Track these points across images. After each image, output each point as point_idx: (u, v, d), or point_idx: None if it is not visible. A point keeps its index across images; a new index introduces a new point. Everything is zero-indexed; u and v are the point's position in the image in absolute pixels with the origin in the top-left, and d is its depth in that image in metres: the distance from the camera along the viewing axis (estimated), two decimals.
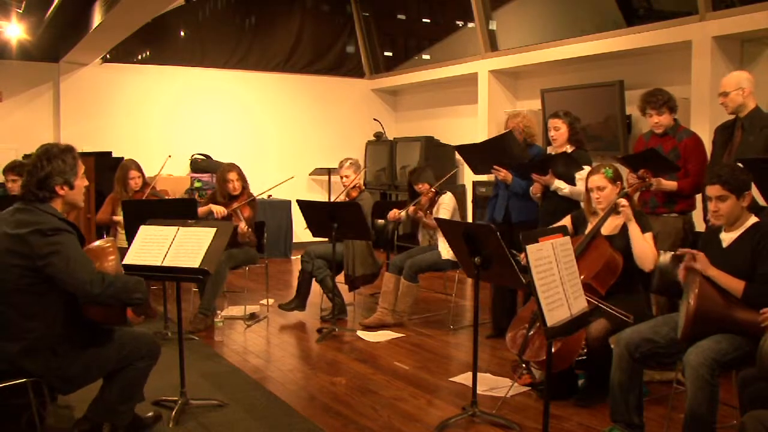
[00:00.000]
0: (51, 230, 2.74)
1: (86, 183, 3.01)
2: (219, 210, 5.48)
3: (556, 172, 4.58)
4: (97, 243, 3.07)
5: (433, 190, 5.44)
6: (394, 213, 5.63)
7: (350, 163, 5.75)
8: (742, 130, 4.07)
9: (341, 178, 5.77)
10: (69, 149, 2.92)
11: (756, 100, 4.10)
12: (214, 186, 8.34)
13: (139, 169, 5.74)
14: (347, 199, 5.67)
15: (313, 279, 5.65)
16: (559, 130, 4.70)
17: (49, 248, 2.71)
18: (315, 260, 5.60)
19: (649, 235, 3.67)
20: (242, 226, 5.43)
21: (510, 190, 4.90)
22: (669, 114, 4.43)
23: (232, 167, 5.76)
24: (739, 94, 4.04)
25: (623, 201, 3.68)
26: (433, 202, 5.46)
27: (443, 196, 5.45)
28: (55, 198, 2.87)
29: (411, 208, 5.39)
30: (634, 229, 3.64)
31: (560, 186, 4.58)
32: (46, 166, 2.83)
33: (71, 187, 2.90)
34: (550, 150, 4.89)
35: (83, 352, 2.87)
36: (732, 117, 4.17)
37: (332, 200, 5.72)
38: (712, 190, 3.06)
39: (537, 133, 5.11)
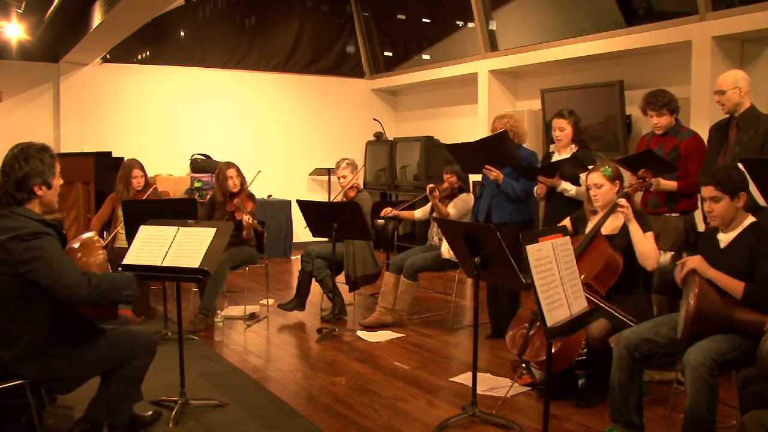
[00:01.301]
0: (29, 235, 2.66)
1: (61, 182, 2.93)
2: None
3: (563, 175, 4.58)
4: (86, 236, 3.04)
5: (459, 183, 5.46)
6: (387, 210, 5.68)
7: (347, 164, 5.76)
8: (737, 129, 4.07)
9: (339, 178, 5.79)
10: (45, 148, 2.85)
11: (751, 100, 4.10)
12: (214, 186, 8.38)
13: (142, 168, 5.76)
14: (345, 199, 5.68)
15: (313, 279, 5.66)
16: (564, 131, 4.69)
17: (29, 254, 2.64)
18: (315, 260, 5.60)
19: (650, 235, 3.67)
20: (247, 218, 5.44)
21: (501, 189, 4.89)
22: (669, 116, 4.43)
23: (231, 165, 5.82)
24: (735, 93, 4.04)
25: (622, 201, 3.68)
26: (453, 195, 5.47)
27: (464, 194, 5.47)
28: (33, 199, 2.79)
29: (430, 186, 5.39)
30: (635, 229, 3.64)
31: (567, 188, 4.58)
32: (23, 166, 2.75)
33: (49, 187, 2.83)
34: (553, 148, 4.88)
35: (76, 351, 2.85)
36: (726, 116, 4.17)
37: (331, 200, 5.73)
38: (706, 191, 3.07)
39: (524, 134, 5.09)
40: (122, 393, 3.01)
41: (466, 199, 5.44)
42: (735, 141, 4.05)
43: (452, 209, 5.38)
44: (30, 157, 2.78)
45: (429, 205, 5.56)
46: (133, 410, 3.20)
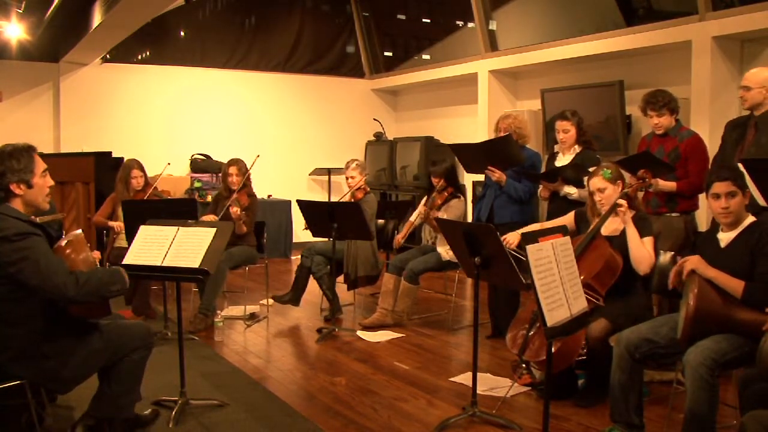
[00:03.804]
0: (16, 235, 2.66)
1: (50, 183, 2.93)
2: (211, 218, 5.53)
3: (566, 179, 4.59)
4: (75, 233, 3.03)
5: (449, 189, 5.41)
6: (398, 241, 5.61)
7: (356, 165, 5.75)
8: (755, 129, 4.06)
9: (347, 179, 5.77)
10: (26, 148, 2.86)
11: None
12: (214, 186, 8.41)
13: (141, 168, 5.76)
14: (353, 200, 5.66)
15: (311, 276, 5.66)
16: (568, 133, 4.68)
17: (17, 254, 2.64)
18: (315, 257, 5.60)
19: (648, 240, 3.65)
20: (234, 209, 5.44)
21: (503, 190, 4.88)
22: (669, 115, 4.43)
23: (234, 162, 5.84)
24: (761, 93, 4.02)
25: (621, 202, 3.68)
26: (444, 202, 5.44)
27: (455, 199, 5.43)
28: (12, 198, 2.80)
29: (423, 208, 5.35)
30: (632, 233, 3.63)
31: (569, 191, 4.59)
32: None
33: (29, 186, 2.82)
34: (557, 149, 4.88)
35: (71, 349, 2.85)
36: (746, 114, 4.14)
37: (337, 201, 5.72)
38: (723, 187, 3.03)
39: (528, 135, 5.09)
40: (124, 387, 3.01)
41: (458, 206, 5.39)
42: (752, 141, 4.04)
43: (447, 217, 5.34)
44: (6, 157, 2.79)
45: (420, 207, 5.54)
46: None
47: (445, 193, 5.39)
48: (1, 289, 2.68)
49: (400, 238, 5.59)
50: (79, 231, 3.08)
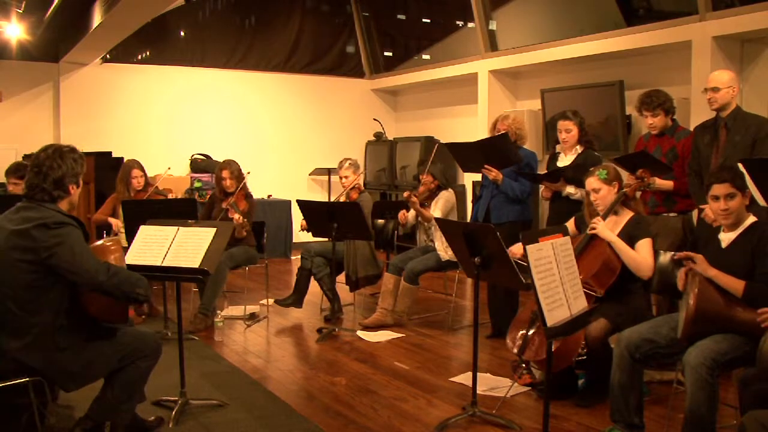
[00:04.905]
0: (55, 223, 2.75)
1: None
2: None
3: (567, 179, 4.59)
4: (100, 242, 3.08)
5: (435, 182, 5.41)
6: (402, 214, 5.60)
7: (349, 164, 5.76)
8: (725, 129, 4.08)
9: (341, 178, 5.78)
10: (74, 149, 2.95)
11: (737, 101, 4.13)
12: (214, 186, 8.40)
13: (141, 168, 5.77)
14: (347, 200, 5.67)
15: (312, 277, 5.66)
16: (571, 132, 4.69)
17: (53, 240, 2.71)
18: (314, 258, 5.60)
19: (645, 242, 3.64)
20: (237, 217, 5.43)
21: (500, 189, 4.89)
22: (664, 116, 4.44)
23: (226, 165, 5.79)
24: (729, 93, 4.06)
25: (595, 221, 3.70)
26: (432, 195, 5.44)
27: (444, 192, 5.44)
28: (65, 198, 2.88)
29: (406, 194, 5.36)
30: (620, 248, 3.62)
31: (571, 192, 4.60)
32: (61, 165, 2.84)
33: (78, 186, 2.93)
34: (558, 149, 4.89)
35: (86, 347, 2.87)
36: (713, 115, 4.18)
37: (332, 200, 5.73)
38: (722, 188, 3.04)
39: (525, 136, 5.10)
40: (126, 393, 3.02)
41: (448, 197, 5.41)
42: (725, 142, 4.06)
43: (437, 211, 5.35)
44: (65, 157, 2.87)
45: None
46: (136, 412, 3.20)
47: (432, 186, 5.40)
48: (30, 276, 2.73)
49: (405, 214, 5.58)
50: (107, 238, 3.18)
